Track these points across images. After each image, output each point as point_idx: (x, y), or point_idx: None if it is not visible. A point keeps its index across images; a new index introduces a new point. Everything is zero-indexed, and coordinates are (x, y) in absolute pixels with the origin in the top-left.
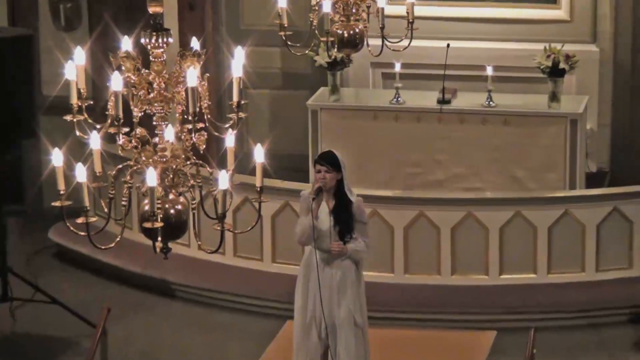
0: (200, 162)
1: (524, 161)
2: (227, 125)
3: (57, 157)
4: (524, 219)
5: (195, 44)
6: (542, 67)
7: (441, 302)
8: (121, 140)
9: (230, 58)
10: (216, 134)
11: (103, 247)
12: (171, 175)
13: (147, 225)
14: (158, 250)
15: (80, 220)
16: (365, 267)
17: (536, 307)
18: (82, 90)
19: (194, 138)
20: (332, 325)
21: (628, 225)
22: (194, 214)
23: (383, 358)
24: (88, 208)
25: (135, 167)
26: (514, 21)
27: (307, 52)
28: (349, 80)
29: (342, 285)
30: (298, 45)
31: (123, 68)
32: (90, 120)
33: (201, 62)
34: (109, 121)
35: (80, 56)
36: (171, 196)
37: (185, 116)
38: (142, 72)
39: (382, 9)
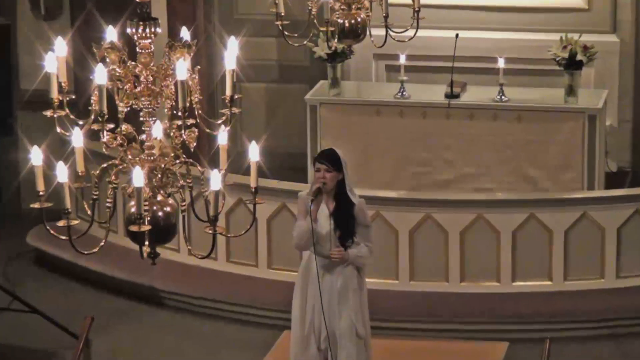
0: (191, 160)
1: (539, 160)
2: (219, 122)
3: (36, 156)
4: (538, 222)
5: (185, 34)
6: (558, 58)
7: (449, 311)
8: (105, 137)
9: (223, 49)
10: (208, 130)
11: (86, 252)
12: (159, 175)
13: (134, 228)
14: (145, 255)
15: (61, 223)
16: (368, 273)
17: (551, 317)
18: (63, 84)
19: (183, 135)
20: (333, 335)
21: None
22: (183, 216)
23: None
24: (70, 210)
25: (120, 167)
26: (527, 9)
27: (305, 42)
28: (350, 73)
29: (343, 294)
30: (296, 35)
31: (108, 60)
32: (72, 116)
33: (192, 54)
34: (93, 117)
35: (61, 47)
36: (159, 197)
37: (175, 112)
38: (128, 64)
39: None
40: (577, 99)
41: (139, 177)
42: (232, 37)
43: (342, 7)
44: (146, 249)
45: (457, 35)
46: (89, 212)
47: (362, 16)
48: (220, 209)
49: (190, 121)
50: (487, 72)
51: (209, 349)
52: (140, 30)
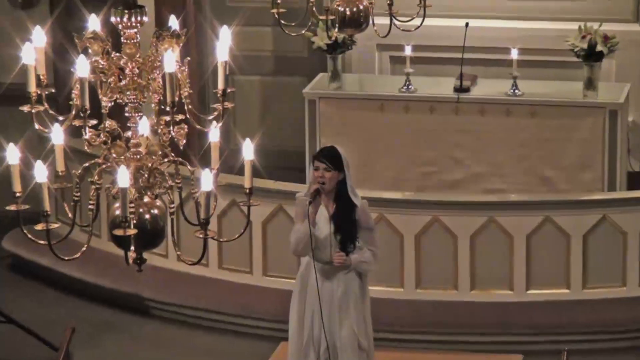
0: (180, 159)
1: (555, 159)
2: (211, 117)
3: (12, 154)
4: (554, 225)
5: (174, 23)
6: (576, 49)
7: (458, 322)
8: (88, 134)
9: (215, 39)
10: (198, 127)
11: (66, 258)
12: (146, 175)
13: (119, 232)
14: (131, 261)
15: (39, 226)
16: (371, 280)
17: (569, 327)
18: (41, 77)
19: (172, 132)
20: (333, 347)
21: None
22: (172, 219)
23: None
24: (49, 213)
25: (104, 166)
26: None
27: (303, 32)
28: (351, 65)
29: (345, 302)
30: (293, 24)
31: (90, 51)
32: (51, 112)
33: (181, 44)
34: (74, 112)
35: (39, 37)
36: (146, 199)
37: (163, 107)
38: (112, 55)
39: None
40: (596, 93)
41: (124, 177)
42: (225, 27)
43: None
44: (132, 255)
45: (467, 24)
46: (70, 214)
47: (364, 3)
48: (212, 211)
49: (180, 117)
50: (500, 64)
51: None
52: (125, 19)
